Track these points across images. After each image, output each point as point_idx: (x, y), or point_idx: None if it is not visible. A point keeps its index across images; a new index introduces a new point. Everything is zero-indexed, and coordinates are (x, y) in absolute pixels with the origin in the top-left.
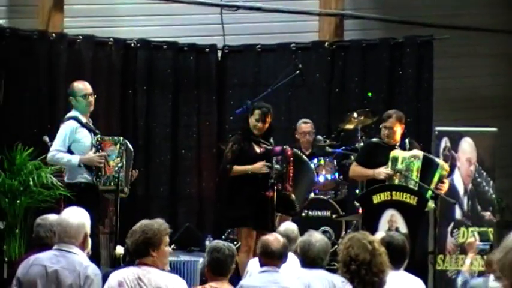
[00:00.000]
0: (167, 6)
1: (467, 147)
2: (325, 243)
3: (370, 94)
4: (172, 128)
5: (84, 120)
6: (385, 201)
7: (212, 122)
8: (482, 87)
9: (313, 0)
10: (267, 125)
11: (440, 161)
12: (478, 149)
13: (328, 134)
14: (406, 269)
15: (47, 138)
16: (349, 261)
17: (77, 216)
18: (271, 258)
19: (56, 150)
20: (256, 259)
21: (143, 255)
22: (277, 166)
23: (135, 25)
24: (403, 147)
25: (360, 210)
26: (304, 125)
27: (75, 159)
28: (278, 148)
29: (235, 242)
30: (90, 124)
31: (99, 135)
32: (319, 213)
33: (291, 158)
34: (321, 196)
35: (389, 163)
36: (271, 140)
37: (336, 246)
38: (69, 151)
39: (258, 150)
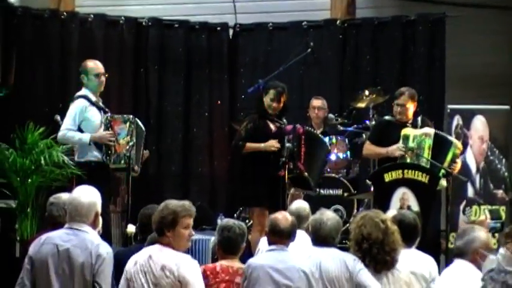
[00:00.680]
0: None
1: (479, 125)
2: (337, 222)
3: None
4: (184, 107)
5: (94, 98)
6: (397, 180)
7: (224, 100)
8: (494, 65)
9: None
10: (281, 105)
11: (453, 139)
12: (491, 127)
13: (340, 112)
14: (418, 247)
15: (58, 117)
16: (361, 240)
17: (88, 195)
18: (280, 236)
19: (67, 129)
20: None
21: (159, 234)
22: (288, 144)
23: (147, 3)
24: (415, 125)
25: (372, 189)
26: (316, 101)
27: (85, 137)
28: (289, 127)
29: (246, 221)
30: (100, 103)
31: (109, 114)
32: (331, 191)
33: (303, 137)
34: (333, 174)
35: (401, 141)
36: (284, 120)
37: (347, 225)
38: (79, 130)
39: (273, 128)
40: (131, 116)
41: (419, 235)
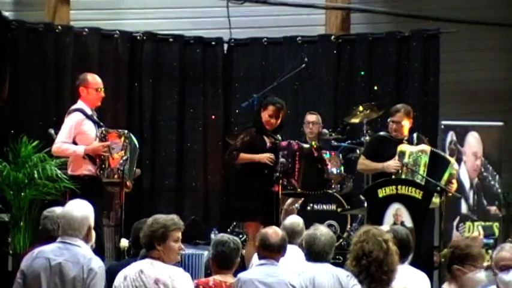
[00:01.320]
0: None
1: (473, 141)
2: (331, 237)
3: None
4: (178, 121)
5: (89, 112)
6: (391, 195)
7: (218, 115)
8: (488, 81)
9: None
10: (279, 121)
11: (451, 159)
12: (484, 143)
13: (334, 127)
14: (411, 263)
15: (52, 131)
16: (361, 256)
17: (80, 209)
18: (270, 251)
19: (61, 141)
20: None
21: (149, 248)
22: (282, 160)
23: (142, 18)
24: (410, 141)
25: (365, 204)
26: (310, 116)
27: (80, 149)
28: (284, 143)
29: (240, 236)
30: (95, 117)
31: (103, 128)
32: (325, 206)
33: (297, 153)
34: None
35: (396, 157)
36: (279, 136)
37: (341, 240)
38: (74, 143)
39: (268, 143)
40: (126, 131)
41: (413, 251)
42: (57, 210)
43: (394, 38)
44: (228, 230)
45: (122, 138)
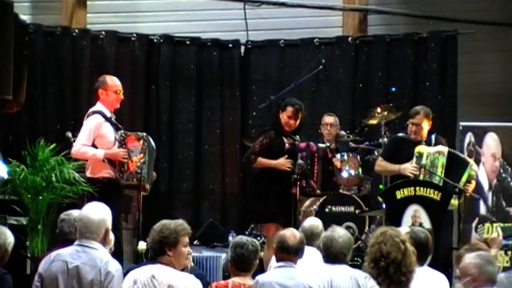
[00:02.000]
0: (190, 1)
1: (491, 143)
2: (348, 239)
3: (394, 89)
4: (196, 124)
5: (109, 114)
6: (409, 197)
7: (235, 117)
8: (506, 82)
9: None
10: (298, 122)
11: (470, 160)
12: (503, 144)
13: (352, 129)
14: (430, 265)
15: (69, 134)
16: (379, 257)
17: (98, 212)
18: (288, 253)
19: (81, 144)
20: None
21: (160, 254)
22: (300, 161)
23: (158, 21)
24: (429, 142)
25: (384, 206)
26: (328, 117)
27: (100, 153)
28: (303, 144)
29: (258, 238)
30: (113, 119)
31: (122, 131)
32: (343, 208)
33: (316, 154)
34: (345, 192)
35: (414, 158)
36: (297, 137)
37: (359, 242)
38: (93, 145)
39: (287, 145)
40: (145, 134)
41: (431, 253)
42: (75, 213)
43: (412, 39)
44: (246, 232)
45: (141, 141)
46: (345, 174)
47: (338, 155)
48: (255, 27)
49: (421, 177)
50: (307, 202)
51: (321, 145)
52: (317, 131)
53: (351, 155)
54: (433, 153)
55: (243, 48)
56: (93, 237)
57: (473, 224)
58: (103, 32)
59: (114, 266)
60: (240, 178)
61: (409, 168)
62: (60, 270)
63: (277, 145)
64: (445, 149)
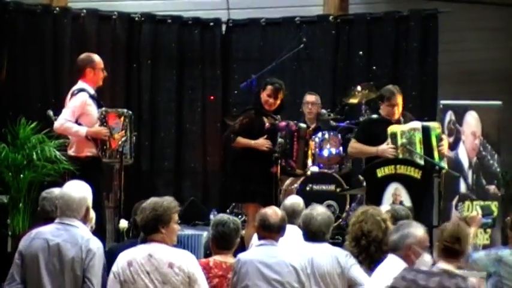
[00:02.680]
0: None
1: (472, 121)
2: (327, 217)
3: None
4: (177, 103)
5: (92, 92)
6: (389, 175)
7: (217, 96)
8: (486, 61)
9: None
10: (278, 101)
11: (429, 123)
12: (483, 122)
13: (333, 108)
14: None
15: (51, 112)
16: (360, 236)
17: (78, 190)
18: (269, 231)
19: (65, 119)
20: None
21: (152, 231)
22: (280, 140)
23: None
24: (399, 121)
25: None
26: (309, 96)
27: (82, 130)
28: (283, 123)
29: (239, 216)
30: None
31: (104, 108)
32: (324, 187)
33: (296, 134)
34: (326, 170)
35: (389, 139)
36: (278, 116)
37: (340, 220)
38: (77, 123)
39: (267, 124)
40: (125, 110)
41: None
42: (56, 191)
43: (393, 17)
44: (227, 211)
45: (122, 118)
46: (325, 152)
47: (319, 134)
48: (236, 5)
49: (401, 156)
50: (288, 181)
51: (301, 125)
52: (298, 110)
53: (332, 133)
54: (407, 131)
55: (224, 26)
56: (73, 215)
57: (454, 202)
58: (84, 11)
59: (96, 244)
60: (222, 157)
61: (388, 150)
62: (41, 248)
63: (257, 125)
64: (418, 124)
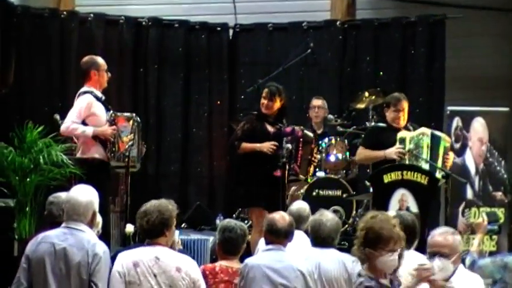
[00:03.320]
0: None
1: (478, 127)
2: (336, 223)
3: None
4: (184, 107)
5: (99, 95)
6: (396, 181)
7: (223, 100)
8: (494, 67)
9: None
10: (275, 104)
11: (441, 133)
12: (490, 128)
13: (340, 113)
14: (417, 249)
15: (57, 116)
16: None
17: (85, 194)
18: (277, 236)
19: (71, 121)
20: None
21: (158, 235)
22: (288, 145)
23: (147, 3)
24: (408, 128)
25: (371, 190)
26: (316, 100)
27: (89, 130)
28: (289, 129)
29: (246, 221)
30: (103, 100)
31: (112, 111)
32: (330, 192)
33: (301, 139)
34: (332, 175)
35: (397, 144)
36: (284, 121)
37: (346, 226)
38: (84, 124)
39: (270, 129)
40: (134, 114)
41: (418, 237)
42: (63, 195)
43: (400, 23)
44: (234, 215)
45: (130, 122)
46: (332, 158)
47: (326, 139)
48: (243, 10)
49: (407, 161)
50: (294, 187)
51: (307, 132)
52: (305, 114)
53: (338, 139)
54: (416, 136)
55: (231, 31)
56: (80, 219)
57: (460, 209)
58: (91, 15)
59: (102, 248)
60: (228, 161)
61: (394, 150)
62: (48, 252)
63: (259, 129)
64: (427, 130)
